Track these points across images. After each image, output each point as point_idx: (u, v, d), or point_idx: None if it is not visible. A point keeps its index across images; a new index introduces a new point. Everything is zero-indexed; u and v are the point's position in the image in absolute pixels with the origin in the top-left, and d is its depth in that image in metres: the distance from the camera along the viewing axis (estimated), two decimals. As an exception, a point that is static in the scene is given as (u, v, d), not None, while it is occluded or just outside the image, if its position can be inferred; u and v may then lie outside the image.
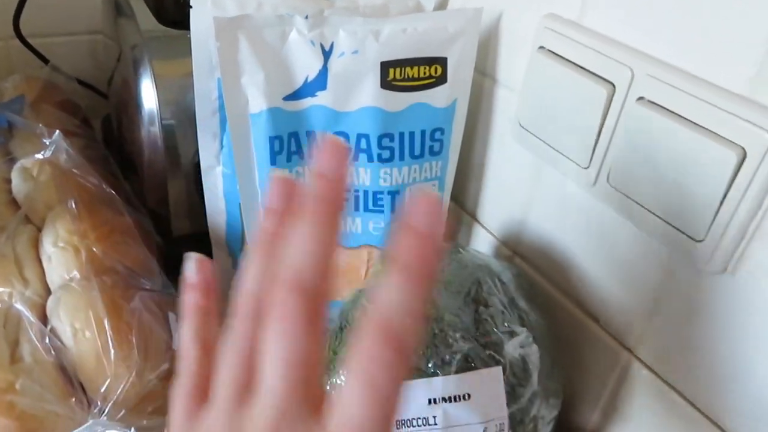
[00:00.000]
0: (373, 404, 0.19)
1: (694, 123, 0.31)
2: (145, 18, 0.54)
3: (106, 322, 0.37)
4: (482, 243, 0.50)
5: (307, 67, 0.39)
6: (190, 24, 0.42)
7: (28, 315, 0.38)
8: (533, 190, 0.44)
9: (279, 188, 0.23)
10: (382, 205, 0.43)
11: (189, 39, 0.51)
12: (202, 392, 0.23)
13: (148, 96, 0.49)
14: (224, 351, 0.22)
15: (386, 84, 0.40)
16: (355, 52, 0.39)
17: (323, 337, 0.21)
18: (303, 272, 0.20)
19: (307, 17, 0.39)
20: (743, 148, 0.29)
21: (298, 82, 0.40)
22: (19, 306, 0.39)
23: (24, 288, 0.41)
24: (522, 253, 0.46)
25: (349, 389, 0.19)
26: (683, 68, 0.32)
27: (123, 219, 0.47)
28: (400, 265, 0.19)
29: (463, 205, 0.51)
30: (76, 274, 0.41)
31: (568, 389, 0.43)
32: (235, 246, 0.50)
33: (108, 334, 0.37)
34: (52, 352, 0.37)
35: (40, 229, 0.47)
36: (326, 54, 0.39)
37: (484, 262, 0.39)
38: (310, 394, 0.20)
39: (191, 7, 0.41)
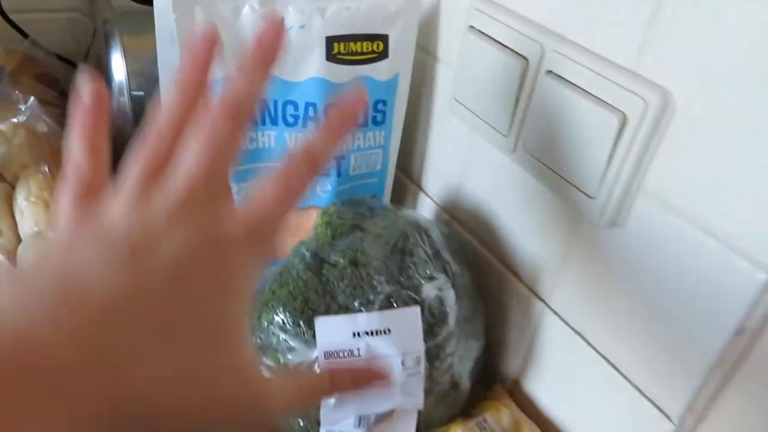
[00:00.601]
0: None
1: (587, 92, 0.35)
2: (118, -5, 0.58)
3: None
4: (426, 210, 0.54)
5: (258, 39, 0.43)
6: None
7: (1, 259, 0.42)
8: (468, 158, 0.48)
9: (203, 41, 0.25)
10: (328, 169, 0.47)
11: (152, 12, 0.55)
12: (93, 190, 0.23)
13: (118, 68, 0.53)
14: (135, 149, 0.24)
15: (331, 57, 0.44)
16: (303, 26, 0.43)
17: (237, 151, 0.24)
18: (235, 101, 0.24)
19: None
20: (624, 114, 0.33)
21: (251, 54, 0.44)
22: (-6, 251, 0.43)
23: (-2, 238, 0.45)
24: (458, 217, 0.50)
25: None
26: (581, 44, 0.36)
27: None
28: (247, 60, 0.24)
29: (409, 174, 0.56)
30: (44, 226, 0.45)
31: (493, 338, 0.47)
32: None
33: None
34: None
35: (13, 188, 0.51)
36: (276, 28, 0.43)
37: (415, 219, 0.43)
38: (221, 183, 0.23)
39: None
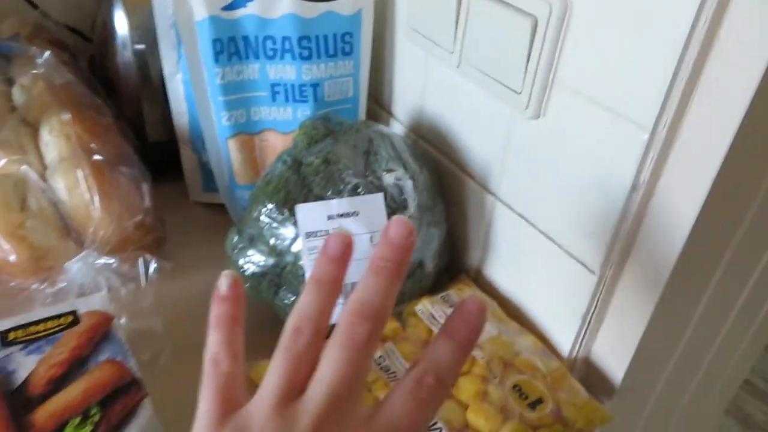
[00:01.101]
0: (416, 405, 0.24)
1: (506, 2, 0.42)
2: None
3: (92, 181, 0.49)
4: (396, 131, 0.61)
5: (238, -18, 0.51)
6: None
7: (34, 176, 0.50)
8: (425, 80, 0.55)
9: (337, 240, 0.27)
10: (307, 96, 0.55)
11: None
12: (234, 394, 0.25)
13: (121, 24, 0.60)
14: (276, 357, 0.25)
15: (302, -5, 0.51)
16: (275, -32, 0.50)
17: (371, 360, 0.27)
18: (372, 304, 0.25)
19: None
20: (535, 17, 0.40)
21: (233, -4, 0.51)
22: (25, 168, 0.51)
23: (23, 161, 0.53)
24: (423, 135, 0.58)
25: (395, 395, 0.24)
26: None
27: (106, 119, 0.59)
28: (378, 261, 0.26)
29: (379, 101, 0.63)
30: (66, 152, 0.53)
31: (456, 234, 0.55)
32: (197, 142, 0.62)
33: (95, 190, 0.49)
34: (52, 203, 0.49)
35: (36, 130, 0.59)
36: (252, -29, 0.50)
37: (381, 129, 0.51)
38: (360, 395, 0.24)
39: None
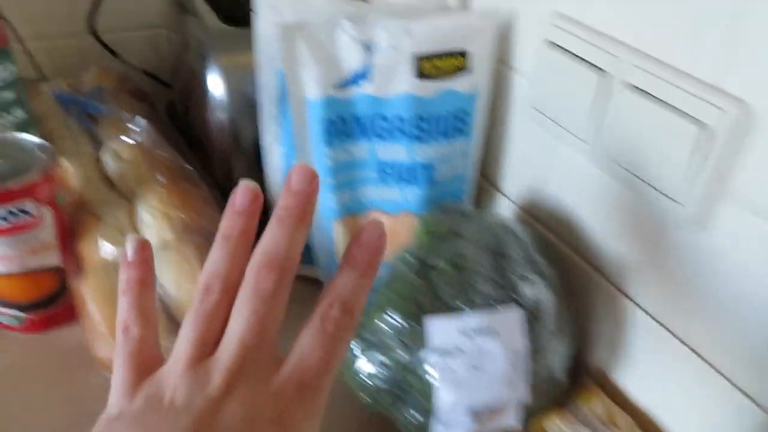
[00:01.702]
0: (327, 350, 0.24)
1: (667, 103, 0.37)
2: (209, 16, 0.62)
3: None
4: (505, 210, 0.57)
5: (352, 61, 0.47)
6: (256, 27, 0.50)
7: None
8: (548, 162, 0.51)
9: (244, 194, 0.27)
10: (417, 177, 0.51)
11: (247, 35, 0.59)
12: (146, 359, 0.25)
13: (216, 86, 0.58)
14: (187, 317, 0.25)
15: (419, 74, 0.47)
16: (393, 47, 0.47)
17: (281, 310, 0.25)
18: (276, 254, 0.25)
19: (351, 20, 0.46)
20: (704, 123, 0.36)
21: (346, 74, 0.48)
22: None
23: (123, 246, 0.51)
24: (539, 218, 0.53)
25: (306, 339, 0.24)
26: (659, 57, 0.38)
27: (201, 190, 0.56)
28: (284, 211, 0.26)
29: (487, 177, 0.59)
30: (169, 235, 0.50)
31: (580, 333, 0.50)
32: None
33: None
34: (158, 297, 0.46)
35: (130, 201, 0.57)
36: (368, 50, 0.47)
37: (503, 222, 0.46)
38: (271, 344, 0.24)
39: (251, 11, 0.49)
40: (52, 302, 0.53)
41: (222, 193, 0.63)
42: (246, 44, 0.59)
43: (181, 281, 0.48)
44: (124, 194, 0.58)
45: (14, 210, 0.47)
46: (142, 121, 0.59)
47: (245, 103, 0.58)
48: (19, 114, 0.57)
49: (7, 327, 0.53)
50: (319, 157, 0.50)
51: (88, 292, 0.47)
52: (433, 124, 0.49)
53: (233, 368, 0.23)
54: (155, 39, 0.84)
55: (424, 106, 0.49)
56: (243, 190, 0.27)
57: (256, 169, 0.61)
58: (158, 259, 0.48)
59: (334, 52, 0.47)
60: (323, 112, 0.48)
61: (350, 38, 0.46)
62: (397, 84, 0.48)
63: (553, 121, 0.47)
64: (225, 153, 0.61)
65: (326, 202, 0.52)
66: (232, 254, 0.26)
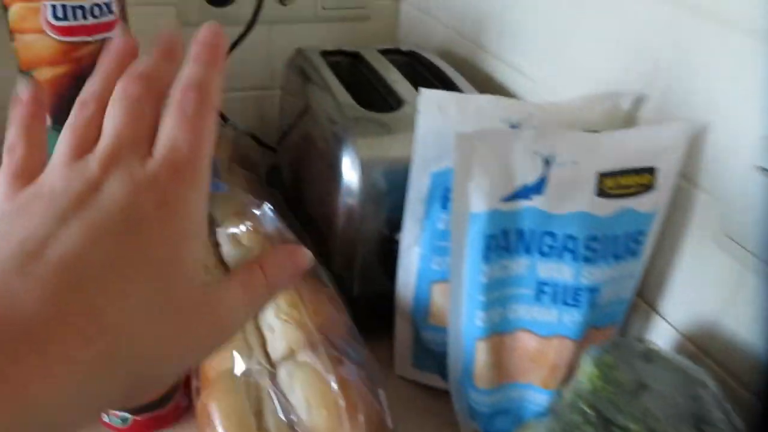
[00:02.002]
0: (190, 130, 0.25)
1: None
2: (339, 92, 0.59)
3: (340, 401, 0.41)
4: (661, 334, 0.51)
5: (527, 173, 0.42)
6: (417, 125, 0.46)
7: (270, 388, 0.42)
8: (730, 293, 0.45)
9: (119, 40, 0.29)
10: (580, 301, 0.45)
11: (386, 122, 0.55)
12: (28, 172, 0.25)
13: (350, 172, 0.53)
14: (62, 132, 0.26)
15: (600, 192, 0.42)
16: (575, 163, 0.42)
17: (156, 109, 0.26)
18: (148, 71, 0.26)
19: (531, 130, 0.42)
20: None
21: (516, 186, 0.43)
22: (258, 370, 0.43)
23: (249, 356, 0.46)
24: (711, 353, 0.47)
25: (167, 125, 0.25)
26: None
27: (328, 289, 0.51)
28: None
29: (647, 298, 0.52)
30: (300, 346, 0.45)
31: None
32: (418, 318, 0.54)
33: (340, 411, 0.41)
34: (287, 419, 0.41)
35: (248, 292, 0.53)
36: (547, 163, 0.42)
37: (693, 372, 0.40)
38: (148, 139, 0.25)
39: (419, 112, 0.45)
40: (161, 404, 0.48)
41: (339, 285, 0.59)
42: (385, 131, 0.55)
43: (312, 401, 0.43)
44: (242, 284, 0.53)
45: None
46: (266, 205, 0.55)
47: (378, 194, 0.54)
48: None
49: (112, 428, 0.48)
50: (474, 272, 0.45)
51: (214, 410, 0.42)
52: (605, 244, 0.44)
53: (109, 153, 0.24)
54: (260, 100, 0.82)
55: (599, 226, 0.43)
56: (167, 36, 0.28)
57: (377, 264, 0.57)
58: (286, 374, 0.44)
59: (509, 163, 0.42)
60: (486, 227, 0.43)
61: (529, 149, 0.42)
62: (572, 201, 0.43)
63: (752, 253, 0.41)
64: (348, 243, 0.56)
65: (473, 319, 0.46)
66: (109, 72, 0.27)
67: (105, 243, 0.22)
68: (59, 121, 0.49)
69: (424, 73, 0.67)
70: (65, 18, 0.44)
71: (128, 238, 0.22)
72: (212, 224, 0.59)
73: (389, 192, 0.54)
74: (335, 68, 0.64)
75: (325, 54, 0.67)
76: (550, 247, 0.44)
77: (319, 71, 0.63)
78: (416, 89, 0.60)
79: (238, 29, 0.71)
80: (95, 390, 0.20)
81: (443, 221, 0.49)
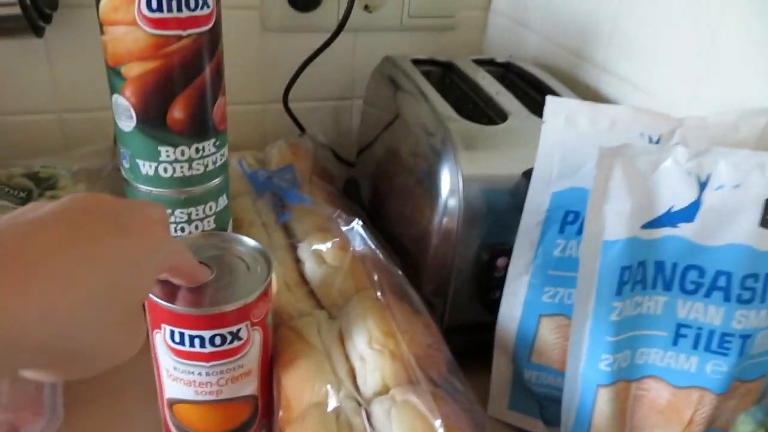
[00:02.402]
0: None
1: None
2: (439, 102, 0.54)
3: None
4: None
5: (675, 197, 0.36)
6: (541, 136, 0.40)
7: (366, 427, 0.37)
8: None
9: None
10: (729, 349, 0.39)
11: (491, 136, 0.50)
12: None
13: (449, 189, 0.48)
14: None
15: (765, 222, 0.36)
16: (737, 186, 0.35)
17: None
18: None
19: (683, 147, 0.36)
20: None
21: (660, 211, 0.37)
22: (350, 414, 0.38)
23: (338, 388, 0.41)
24: None
25: None
26: None
27: (423, 316, 0.46)
28: None
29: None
30: (396, 382, 0.40)
31: None
32: (521, 355, 0.48)
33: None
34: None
35: (332, 317, 0.48)
36: (701, 186, 0.36)
37: None
38: None
39: (544, 122, 0.40)
40: None
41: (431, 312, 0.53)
42: (490, 145, 0.50)
43: (414, 448, 0.37)
44: (325, 306, 0.48)
45: (226, 334, 0.38)
46: (356, 221, 0.50)
47: (479, 215, 0.48)
48: (222, 201, 0.50)
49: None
50: (604, 308, 0.39)
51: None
52: (766, 284, 0.37)
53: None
54: (338, 112, 0.78)
55: (761, 262, 0.37)
56: None
57: (474, 292, 0.51)
58: (383, 412, 0.38)
59: (654, 184, 0.36)
60: (622, 257, 0.37)
61: (682, 169, 0.36)
62: (730, 231, 0.36)
63: None
64: (442, 268, 0.51)
65: (596, 362, 0.40)
66: None
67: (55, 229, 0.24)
68: (144, 120, 0.46)
69: (522, 84, 0.62)
70: (159, 9, 0.41)
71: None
72: (292, 239, 0.54)
73: (491, 213, 0.48)
74: (427, 78, 0.59)
75: (416, 63, 0.62)
76: (696, 284, 0.38)
77: (412, 79, 0.58)
78: (520, 102, 0.55)
79: (321, 36, 0.68)
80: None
81: (560, 247, 0.43)
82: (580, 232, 0.42)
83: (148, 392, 0.42)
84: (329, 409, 0.38)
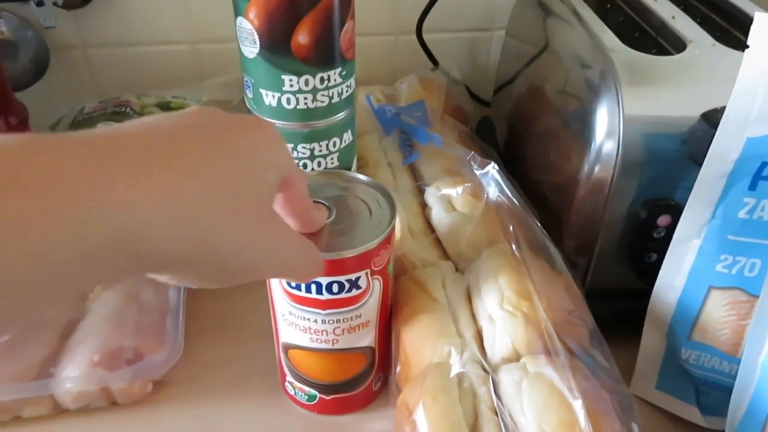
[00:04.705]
0: None
1: None
2: (599, 29, 0.46)
3: (585, 420, 0.30)
4: None
5: None
6: (742, 66, 0.32)
7: (496, 403, 0.33)
8: None
9: None
10: None
11: (663, 68, 0.42)
12: None
13: (607, 132, 0.41)
14: None
15: None
16: None
17: None
18: None
19: None
20: None
21: None
22: (475, 381, 0.34)
23: (462, 350, 0.37)
24: None
25: None
26: None
27: (564, 277, 0.40)
28: None
29: None
30: (529, 350, 0.35)
31: None
32: (678, 331, 0.40)
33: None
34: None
35: (458, 268, 0.43)
36: None
37: None
38: None
39: (748, 46, 0.31)
40: (354, 386, 0.41)
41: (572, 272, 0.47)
42: (661, 80, 0.42)
43: (550, 427, 0.32)
44: (451, 258, 0.44)
45: (344, 282, 0.35)
46: (492, 166, 0.44)
47: (641, 164, 0.41)
48: (347, 137, 0.46)
49: (298, 403, 0.42)
50: None
51: (422, 417, 0.33)
52: None
53: None
54: (474, 44, 0.71)
55: None
56: None
57: (625, 253, 0.44)
58: (512, 384, 0.33)
59: None
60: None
61: None
62: None
63: None
64: (589, 223, 0.44)
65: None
66: None
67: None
68: (267, 46, 0.43)
69: (705, 7, 0.51)
70: None
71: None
72: (419, 182, 0.50)
73: (656, 162, 0.41)
74: (584, 0, 0.51)
75: (570, -16, 0.54)
76: None
77: (567, 2, 0.50)
78: (702, 27, 0.45)
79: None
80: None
81: (748, 207, 0.35)
82: (778, 190, 0.33)
83: (268, 330, 0.41)
84: (452, 373, 0.34)
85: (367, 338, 0.39)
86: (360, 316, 0.37)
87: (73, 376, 0.40)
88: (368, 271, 0.35)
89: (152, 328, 0.43)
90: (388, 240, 0.36)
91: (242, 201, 0.25)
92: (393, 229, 0.36)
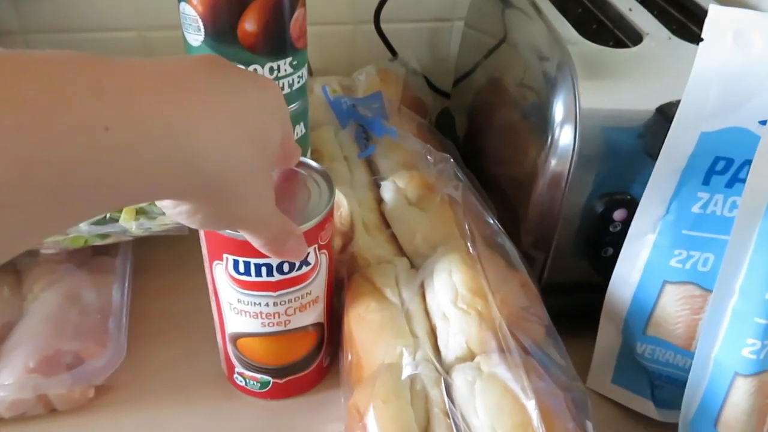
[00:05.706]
0: None
1: None
2: (557, 21, 0.45)
3: (538, 420, 0.30)
4: None
5: None
6: (696, 59, 0.31)
7: (448, 406, 0.32)
8: None
9: None
10: None
11: (619, 61, 0.41)
12: None
13: (563, 123, 0.40)
14: None
15: None
16: None
17: None
18: None
19: None
20: None
21: None
22: (427, 383, 0.33)
23: (415, 350, 0.36)
24: None
25: None
26: None
27: (520, 274, 0.39)
28: None
29: None
30: (483, 348, 0.34)
31: None
32: (633, 325, 0.40)
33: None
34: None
35: (412, 265, 0.42)
36: None
37: None
38: None
39: (702, 39, 0.30)
40: (306, 365, 0.41)
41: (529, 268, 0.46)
42: (618, 72, 0.41)
43: (500, 429, 0.31)
44: (406, 254, 0.43)
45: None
46: (447, 158, 0.43)
47: (598, 158, 0.40)
48: (300, 130, 0.45)
49: (249, 392, 0.41)
50: (758, 284, 0.30)
51: (372, 420, 0.32)
52: None
53: None
54: (434, 35, 0.70)
55: None
56: None
57: (581, 248, 0.44)
58: (465, 385, 0.33)
59: None
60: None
61: None
62: None
63: None
64: (546, 217, 0.43)
65: (738, 348, 0.33)
66: None
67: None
68: (212, 33, 0.41)
69: (660, 0, 0.51)
70: None
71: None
72: (376, 176, 0.49)
73: (612, 156, 0.40)
74: (542, -8, 0.50)
75: (529, -26, 0.53)
76: None
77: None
78: (659, 20, 0.45)
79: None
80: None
81: (701, 202, 0.35)
82: (730, 185, 0.33)
83: (210, 329, 0.40)
84: (404, 375, 0.33)
85: (317, 314, 0.39)
86: (310, 293, 0.37)
87: (6, 384, 0.37)
88: (316, 246, 0.35)
89: (94, 330, 0.41)
90: (330, 214, 0.36)
91: (258, 155, 0.26)
92: (334, 203, 0.36)
